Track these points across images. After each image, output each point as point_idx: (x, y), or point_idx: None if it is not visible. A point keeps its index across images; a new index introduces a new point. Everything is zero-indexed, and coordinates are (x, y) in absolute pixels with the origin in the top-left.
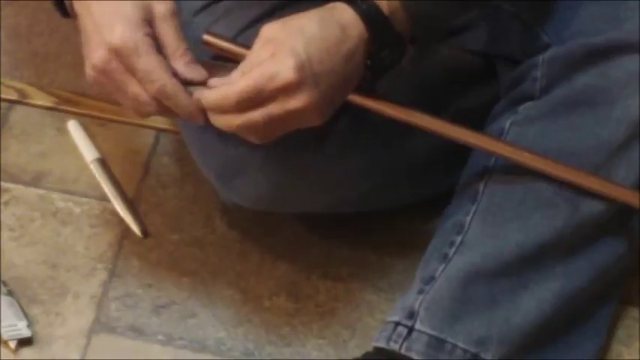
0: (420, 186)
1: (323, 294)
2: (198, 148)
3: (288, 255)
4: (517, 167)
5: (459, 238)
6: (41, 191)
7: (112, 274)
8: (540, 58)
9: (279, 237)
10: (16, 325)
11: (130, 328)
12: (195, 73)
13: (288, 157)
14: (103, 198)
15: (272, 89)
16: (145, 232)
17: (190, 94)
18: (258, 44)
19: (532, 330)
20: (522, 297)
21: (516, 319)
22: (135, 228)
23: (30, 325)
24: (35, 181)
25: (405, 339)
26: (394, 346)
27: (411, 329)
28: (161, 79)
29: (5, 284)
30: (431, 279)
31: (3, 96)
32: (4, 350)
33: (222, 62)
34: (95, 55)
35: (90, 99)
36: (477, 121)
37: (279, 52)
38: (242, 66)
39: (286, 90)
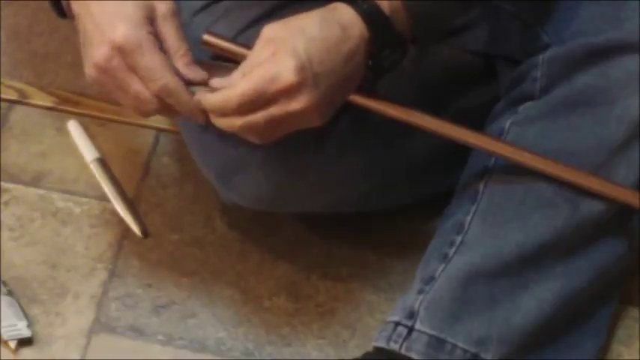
0: (420, 186)
1: (323, 294)
2: (199, 148)
3: (288, 255)
4: (517, 167)
5: (459, 238)
6: (41, 191)
7: (112, 274)
8: (540, 58)
9: (279, 237)
10: (16, 325)
11: (130, 328)
12: (195, 73)
13: (288, 157)
14: (103, 198)
15: (273, 91)
16: (145, 232)
17: (192, 93)
18: (259, 44)
19: (532, 330)
20: (522, 297)
21: (516, 319)
22: (135, 228)
23: (30, 325)
24: (35, 181)
25: (405, 339)
26: (394, 346)
27: (411, 329)
28: (164, 76)
29: (5, 284)
30: (431, 279)
31: (3, 96)
32: (4, 350)
33: (222, 62)
34: (97, 53)
35: (90, 99)
36: (477, 121)
37: (279, 52)
38: (243, 66)
39: (287, 92)
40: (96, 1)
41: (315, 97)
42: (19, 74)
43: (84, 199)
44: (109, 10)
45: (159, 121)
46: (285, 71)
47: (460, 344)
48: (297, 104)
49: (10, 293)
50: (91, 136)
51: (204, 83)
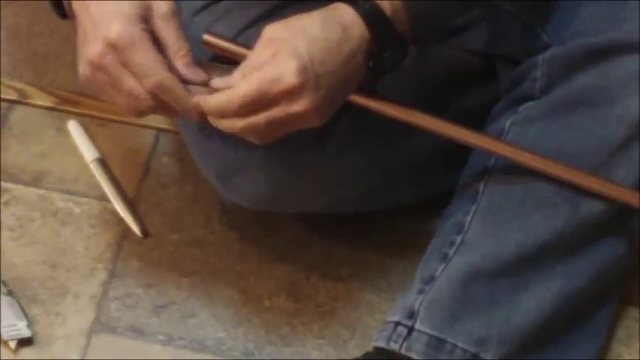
0: (420, 186)
1: (323, 294)
2: (199, 148)
3: (288, 255)
4: (517, 167)
5: (459, 238)
6: (41, 191)
7: (112, 274)
8: (540, 58)
9: (279, 237)
10: (16, 325)
11: (130, 328)
12: (195, 74)
13: (288, 157)
14: (103, 198)
15: (275, 93)
16: (145, 232)
17: (190, 91)
18: (259, 45)
19: (532, 330)
20: (522, 297)
21: (516, 319)
22: (135, 228)
23: (30, 325)
24: (35, 181)
25: (405, 339)
26: (394, 346)
27: (411, 329)
28: (158, 73)
29: (5, 284)
30: (431, 279)
31: (3, 96)
32: (4, 350)
33: (221, 64)
34: (91, 49)
35: (90, 99)
36: (477, 121)
37: (280, 53)
38: (243, 66)
39: (289, 94)
40: (95, 1)
41: (316, 98)
42: (19, 74)
43: (84, 199)
44: (107, 10)
45: (159, 121)
46: (287, 73)
47: (460, 344)
48: (298, 106)
49: (10, 293)
50: (91, 136)
51: (203, 84)
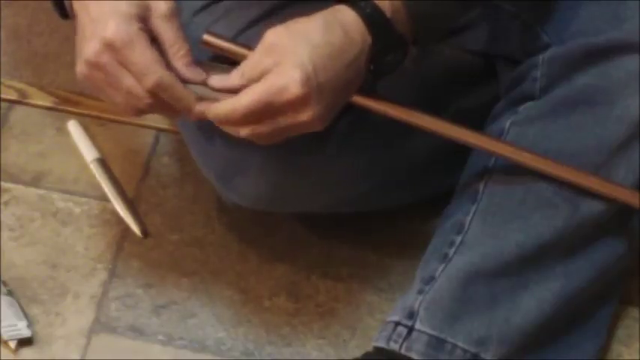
0: (420, 186)
1: (323, 294)
2: (199, 148)
3: (288, 255)
4: (517, 167)
5: (458, 238)
6: (41, 191)
7: (112, 274)
8: (540, 58)
9: (279, 237)
10: (16, 325)
11: (130, 328)
12: (195, 74)
13: (288, 157)
14: (103, 198)
15: (279, 104)
16: (145, 232)
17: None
18: (261, 49)
19: (532, 330)
20: (522, 297)
21: (516, 319)
22: (135, 228)
23: (30, 325)
24: (35, 181)
25: (405, 339)
26: (394, 346)
27: (410, 329)
28: (156, 71)
29: (5, 284)
30: (431, 279)
31: (3, 96)
32: (4, 350)
33: (221, 64)
34: (88, 48)
35: (90, 99)
36: (477, 121)
37: (284, 62)
38: (243, 66)
39: (293, 104)
40: (94, 1)
41: (320, 107)
42: (19, 74)
43: (84, 199)
44: (105, 10)
45: (159, 121)
46: (291, 84)
47: (460, 344)
48: (303, 115)
49: (10, 293)
50: (91, 136)
51: (203, 84)
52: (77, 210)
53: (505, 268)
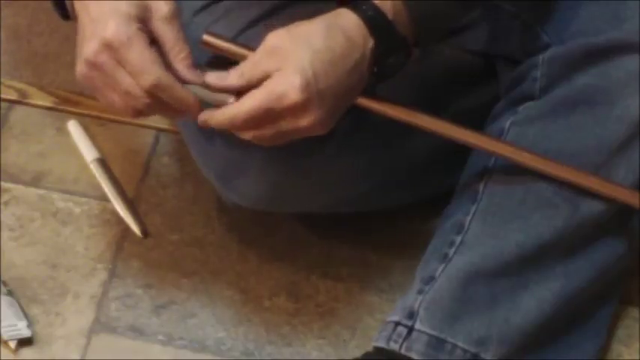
0: (420, 186)
1: (323, 294)
2: (199, 148)
3: (288, 255)
4: (517, 167)
5: (458, 238)
6: (41, 191)
7: (112, 274)
8: (540, 58)
9: (278, 237)
10: (16, 325)
11: (130, 328)
12: (195, 76)
13: (288, 157)
14: (103, 198)
15: (279, 110)
16: (145, 232)
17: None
18: (262, 51)
19: (532, 330)
20: (522, 297)
21: (516, 319)
22: (135, 228)
23: (30, 325)
24: (35, 181)
25: (405, 339)
26: (394, 346)
27: (410, 329)
28: (154, 71)
29: (5, 284)
30: (431, 279)
31: (3, 96)
32: (4, 350)
33: (220, 68)
34: (87, 48)
35: (90, 99)
36: (477, 121)
37: (285, 67)
38: (242, 66)
39: (293, 110)
40: (95, 1)
41: (320, 112)
42: (19, 74)
43: (84, 199)
44: (105, 10)
45: (159, 121)
46: (291, 90)
47: (460, 344)
48: (303, 121)
49: (10, 293)
50: (91, 136)
51: (202, 86)
52: (77, 210)
53: (505, 268)
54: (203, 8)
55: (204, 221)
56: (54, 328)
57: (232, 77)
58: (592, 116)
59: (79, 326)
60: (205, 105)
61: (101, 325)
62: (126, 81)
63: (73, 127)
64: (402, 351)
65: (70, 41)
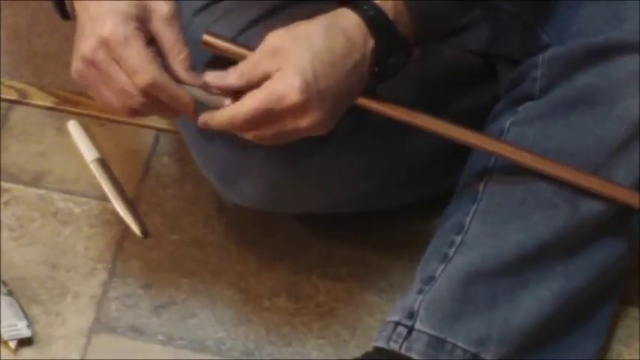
0: (420, 186)
1: (323, 294)
2: (199, 148)
3: (288, 255)
4: (517, 167)
5: (458, 238)
6: (41, 191)
7: (112, 274)
8: (540, 58)
9: (278, 237)
10: (16, 325)
11: (130, 328)
12: (194, 78)
13: (288, 158)
14: (103, 198)
15: (279, 111)
16: (145, 232)
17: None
18: (262, 51)
19: (532, 330)
20: (522, 297)
21: (516, 319)
22: (135, 228)
23: (30, 325)
24: (35, 181)
25: (405, 339)
26: (394, 346)
27: (410, 329)
28: (150, 71)
29: (5, 284)
30: (431, 279)
31: (3, 96)
32: (4, 350)
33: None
34: (84, 45)
35: (90, 99)
36: (477, 121)
37: (285, 68)
38: (241, 66)
39: (293, 111)
40: (95, 0)
41: (320, 113)
42: (19, 74)
43: (84, 199)
44: (105, 9)
45: (159, 121)
46: (290, 91)
47: (460, 344)
48: (303, 122)
49: (10, 293)
50: (91, 136)
51: (201, 87)
52: (77, 210)
53: (505, 268)
54: (203, 8)
55: (204, 221)
56: (54, 328)
57: (232, 77)
58: (592, 116)
59: (79, 326)
60: (202, 106)
61: (101, 325)
62: (121, 79)
63: (73, 127)
64: (402, 351)
65: (70, 41)
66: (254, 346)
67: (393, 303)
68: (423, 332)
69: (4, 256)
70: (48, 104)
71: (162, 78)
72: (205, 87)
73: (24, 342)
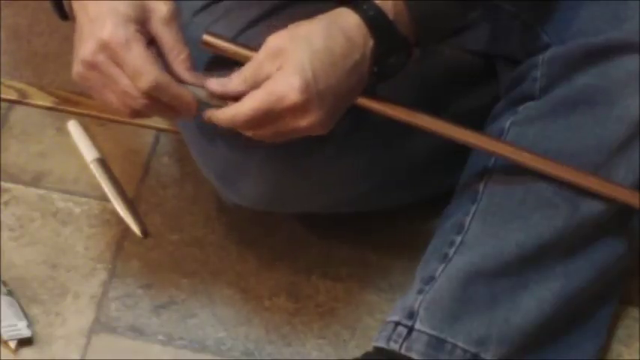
0: (420, 186)
1: (323, 294)
2: (199, 148)
3: (288, 255)
4: (517, 167)
5: (458, 238)
6: (41, 191)
7: (112, 274)
8: (540, 58)
9: (278, 237)
10: (16, 325)
11: (130, 328)
12: (194, 78)
13: (288, 157)
14: (103, 198)
15: (279, 110)
16: (145, 232)
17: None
18: (263, 53)
19: (532, 330)
20: (522, 297)
21: (516, 319)
22: (135, 228)
23: (30, 325)
24: (35, 181)
25: (405, 339)
26: (394, 346)
27: (410, 329)
28: (152, 72)
29: (5, 284)
30: (431, 279)
31: (3, 96)
32: (4, 350)
33: (219, 72)
34: (84, 48)
35: (90, 99)
36: (477, 121)
37: (285, 68)
38: (244, 70)
39: (293, 111)
40: (93, 1)
41: (320, 113)
42: (19, 74)
43: (84, 199)
44: (103, 10)
45: (159, 121)
46: (290, 91)
47: (460, 344)
48: (303, 121)
49: (10, 293)
50: (91, 136)
51: (202, 87)
52: (77, 210)
53: (505, 268)
54: (203, 8)
55: (204, 221)
56: (54, 328)
57: (235, 83)
58: (592, 116)
59: (79, 326)
60: (204, 106)
61: (101, 325)
62: (123, 82)
63: (73, 127)
64: (402, 351)
65: (70, 41)
66: (254, 346)
67: (392, 303)
68: (423, 332)
69: (4, 256)
70: (48, 104)
71: (165, 79)
72: (207, 88)
73: (24, 342)
